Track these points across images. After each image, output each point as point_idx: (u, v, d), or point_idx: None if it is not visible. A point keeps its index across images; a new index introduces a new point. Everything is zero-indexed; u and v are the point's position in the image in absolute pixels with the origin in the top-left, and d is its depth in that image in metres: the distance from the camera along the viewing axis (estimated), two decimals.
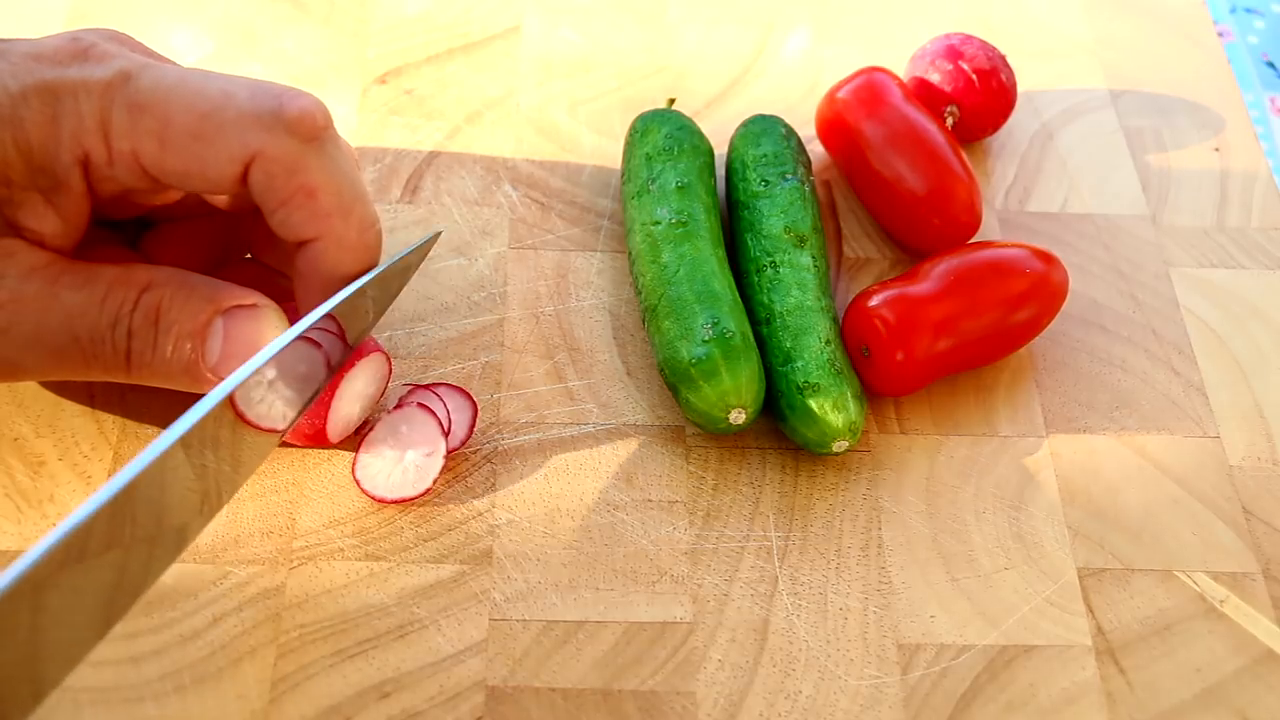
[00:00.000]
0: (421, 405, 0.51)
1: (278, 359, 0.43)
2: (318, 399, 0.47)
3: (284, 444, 0.51)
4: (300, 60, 0.66)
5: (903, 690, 0.47)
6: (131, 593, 0.40)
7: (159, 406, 0.52)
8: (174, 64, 0.47)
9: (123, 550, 0.39)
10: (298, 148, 0.44)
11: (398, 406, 0.51)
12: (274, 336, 0.45)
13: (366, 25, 0.68)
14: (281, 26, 0.68)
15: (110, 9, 0.67)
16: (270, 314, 0.46)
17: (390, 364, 0.52)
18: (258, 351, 0.44)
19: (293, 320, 0.46)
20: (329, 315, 0.45)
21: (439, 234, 0.52)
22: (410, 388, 0.52)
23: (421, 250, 0.50)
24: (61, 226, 0.45)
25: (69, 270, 0.45)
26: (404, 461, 0.50)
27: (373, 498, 0.50)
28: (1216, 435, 0.54)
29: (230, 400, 0.42)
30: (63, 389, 0.52)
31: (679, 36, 0.69)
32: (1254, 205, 0.63)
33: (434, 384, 0.52)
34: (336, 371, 0.47)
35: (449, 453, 0.51)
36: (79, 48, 0.45)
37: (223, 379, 0.43)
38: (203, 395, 0.41)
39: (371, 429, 0.51)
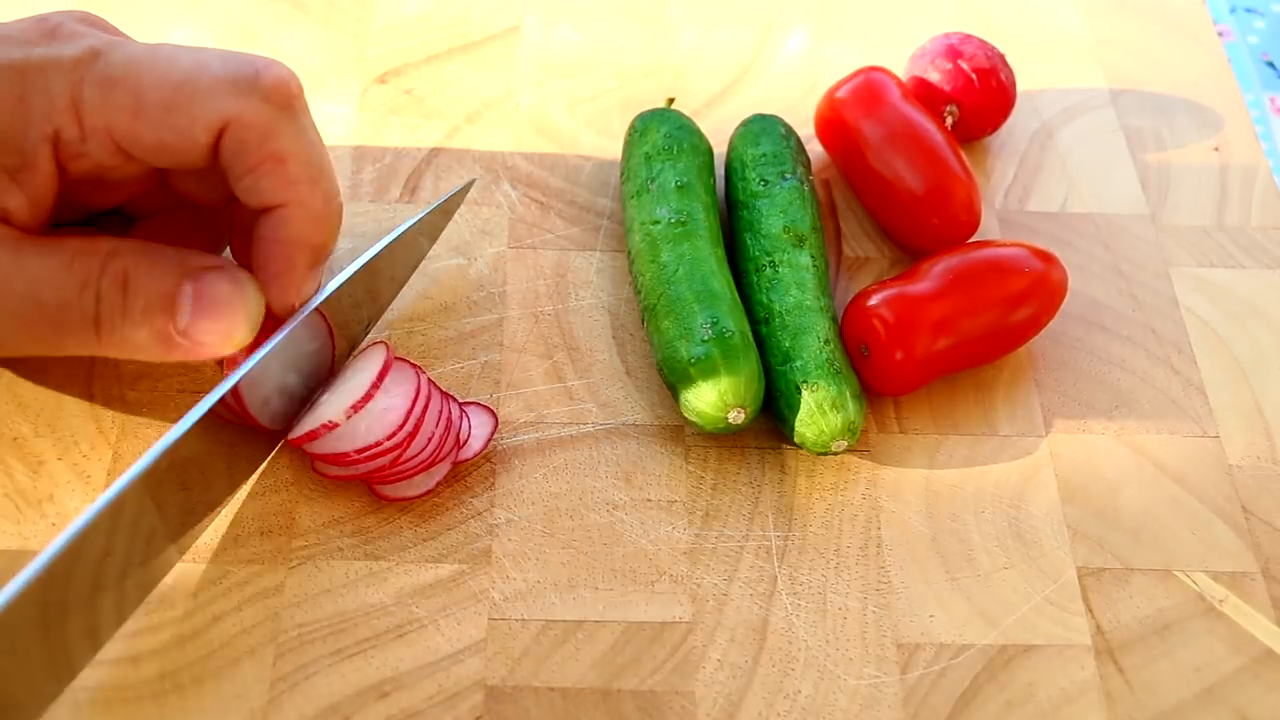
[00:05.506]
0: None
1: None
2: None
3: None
4: (300, 60, 0.66)
5: (902, 690, 0.47)
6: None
7: (159, 406, 0.52)
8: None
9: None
10: (271, 114, 0.45)
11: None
12: (244, 297, 0.45)
13: (366, 25, 0.68)
14: (281, 26, 0.68)
15: (110, 8, 0.67)
16: (239, 274, 0.46)
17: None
18: (228, 313, 0.44)
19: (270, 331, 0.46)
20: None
21: (473, 182, 0.51)
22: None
23: (455, 199, 0.49)
24: (26, 205, 0.45)
25: (32, 240, 0.45)
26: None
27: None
28: (1216, 435, 0.54)
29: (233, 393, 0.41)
30: (62, 388, 0.52)
31: (679, 36, 0.69)
32: (1254, 205, 0.63)
33: (462, 401, 0.52)
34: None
35: (459, 463, 0.50)
36: (46, 28, 0.45)
37: (195, 342, 0.44)
38: (169, 366, 0.41)
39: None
